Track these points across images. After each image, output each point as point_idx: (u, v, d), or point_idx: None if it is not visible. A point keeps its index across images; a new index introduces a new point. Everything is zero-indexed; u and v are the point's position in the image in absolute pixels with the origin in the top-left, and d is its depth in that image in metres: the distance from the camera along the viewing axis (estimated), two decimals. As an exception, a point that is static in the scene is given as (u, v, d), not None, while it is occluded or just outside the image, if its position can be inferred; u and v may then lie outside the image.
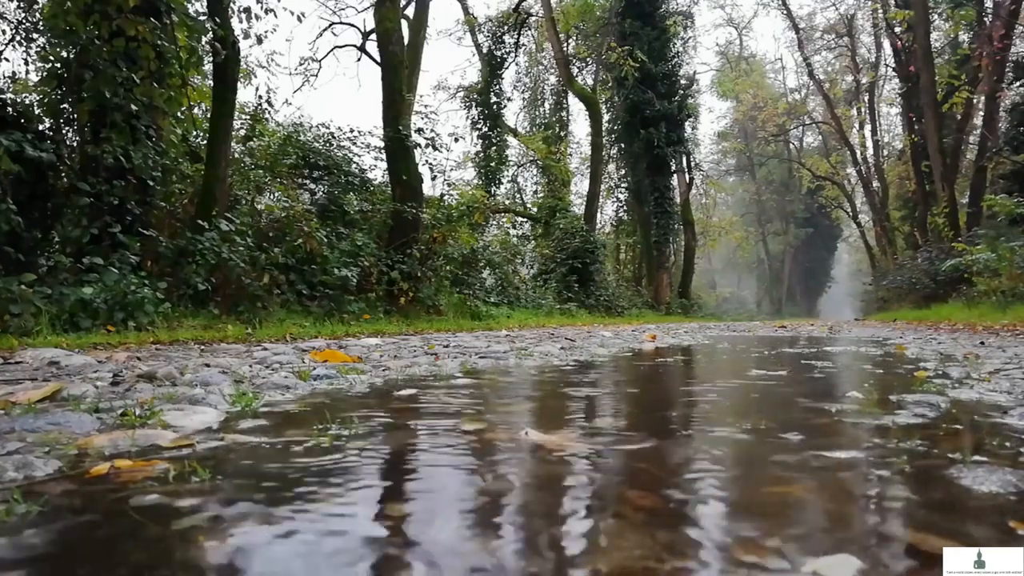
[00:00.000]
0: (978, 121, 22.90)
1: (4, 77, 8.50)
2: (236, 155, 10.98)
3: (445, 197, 15.45)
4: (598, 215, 27.36)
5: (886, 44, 30.54)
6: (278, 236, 9.48)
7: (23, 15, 8.45)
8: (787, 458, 1.34)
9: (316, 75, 21.78)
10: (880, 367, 3.66)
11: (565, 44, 26.16)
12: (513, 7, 26.93)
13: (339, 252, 10.23)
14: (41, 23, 8.11)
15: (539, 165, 27.40)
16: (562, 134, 29.06)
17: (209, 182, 8.70)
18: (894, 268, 25.62)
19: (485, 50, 27.42)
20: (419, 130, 13.00)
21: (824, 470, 1.25)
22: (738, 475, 1.23)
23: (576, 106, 29.24)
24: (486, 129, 26.86)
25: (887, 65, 31.99)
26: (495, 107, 27.12)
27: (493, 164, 26.50)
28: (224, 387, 2.37)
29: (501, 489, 1.12)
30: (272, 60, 24.60)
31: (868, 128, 34.50)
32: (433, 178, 14.94)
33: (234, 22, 8.93)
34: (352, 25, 29.24)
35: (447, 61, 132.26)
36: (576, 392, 2.56)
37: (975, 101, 21.44)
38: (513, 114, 30.94)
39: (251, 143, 12.43)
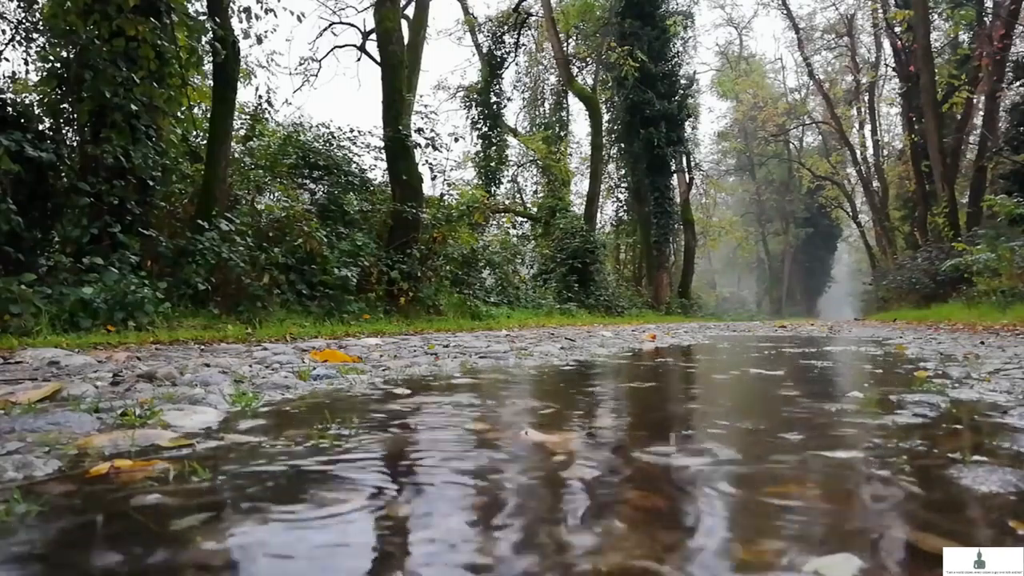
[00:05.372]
0: (978, 121, 22.90)
1: (4, 77, 8.50)
2: (236, 155, 10.98)
3: (445, 197, 15.44)
4: (598, 215, 27.34)
5: (886, 44, 30.57)
6: (278, 236, 9.48)
7: (23, 15, 8.45)
8: (787, 458, 1.34)
9: (316, 75, 21.77)
10: (880, 367, 3.66)
11: (565, 44, 26.15)
12: (513, 7, 26.92)
13: (339, 252, 10.22)
14: (41, 23, 8.10)
15: (539, 165, 27.38)
16: (562, 134, 29.04)
17: (209, 182, 8.70)
18: (894, 268, 25.60)
19: (485, 50, 27.42)
20: (419, 130, 12.99)
21: (824, 470, 1.25)
22: (738, 475, 1.23)
23: (576, 106, 29.25)
24: (486, 129, 26.85)
25: (887, 65, 32.00)
26: (495, 107, 27.12)
27: (493, 164, 26.49)
28: (224, 387, 2.37)
29: (501, 489, 1.12)
30: (272, 60, 24.62)
31: (868, 128, 34.52)
32: (433, 178, 14.95)
33: (234, 22, 8.94)
34: (352, 25, 29.27)
35: (447, 61, 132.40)
36: (576, 392, 2.56)
37: (975, 101, 21.44)
38: (513, 114, 31.00)
39: (251, 143, 12.43)
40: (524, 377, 3.18)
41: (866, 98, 34.04)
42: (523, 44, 28.73)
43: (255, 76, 14.16)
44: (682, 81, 27.96)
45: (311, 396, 2.30)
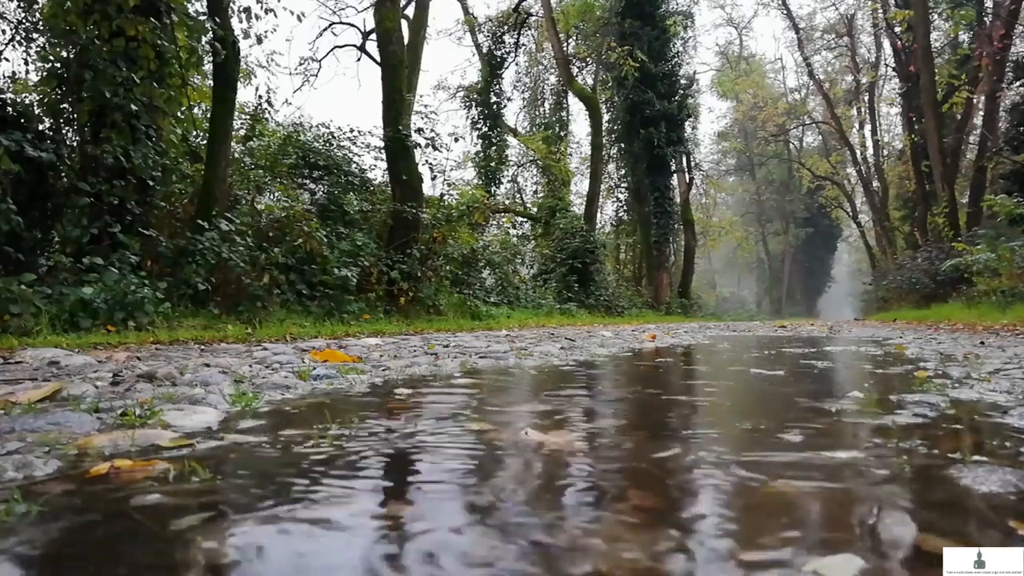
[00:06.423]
0: (978, 121, 22.90)
1: (4, 77, 8.50)
2: (236, 155, 10.98)
3: (445, 197, 15.44)
4: (598, 215, 27.35)
5: (886, 44, 30.57)
6: (278, 236, 9.48)
7: (23, 15, 8.45)
8: (787, 458, 1.34)
9: (316, 75, 21.75)
10: (880, 367, 3.65)
11: (565, 44, 26.15)
12: (513, 7, 26.92)
13: (339, 252, 10.22)
14: (41, 23, 8.10)
15: (539, 165, 27.38)
16: (562, 134, 29.04)
17: (209, 182, 8.70)
18: (894, 268, 25.60)
19: (485, 50, 27.42)
20: (419, 130, 12.99)
21: (824, 470, 1.25)
22: (738, 475, 1.23)
23: (576, 106, 29.25)
24: (486, 129, 26.86)
25: (887, 65, 32.00)
26: (495, 107, 27.13)
27: (493, 164, 26.49)
28: (224, 387, 2.37)
29: (501, 488, 1.12)
30: (272, 60, 24.57)
31: (868, 128, 34.53)
32: (433, 178, 14.96)
33: (234, 22, 8.93)
34: (352, 25, 29.23)
35: (447, 61, 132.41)
36: (576, 392, 2.56)
37: (975, 101, 21.44)
38: (513, 114, 31.01)
39: (251, 143, 12.43)
40: (524, 377, 3.18)
41: (866, 98, 34.05)
42: (523, 44, 28.77)
43: (255, 76, 14.16)
44: (682, 81, 27.96)
45: (311, 396, 2.30)
